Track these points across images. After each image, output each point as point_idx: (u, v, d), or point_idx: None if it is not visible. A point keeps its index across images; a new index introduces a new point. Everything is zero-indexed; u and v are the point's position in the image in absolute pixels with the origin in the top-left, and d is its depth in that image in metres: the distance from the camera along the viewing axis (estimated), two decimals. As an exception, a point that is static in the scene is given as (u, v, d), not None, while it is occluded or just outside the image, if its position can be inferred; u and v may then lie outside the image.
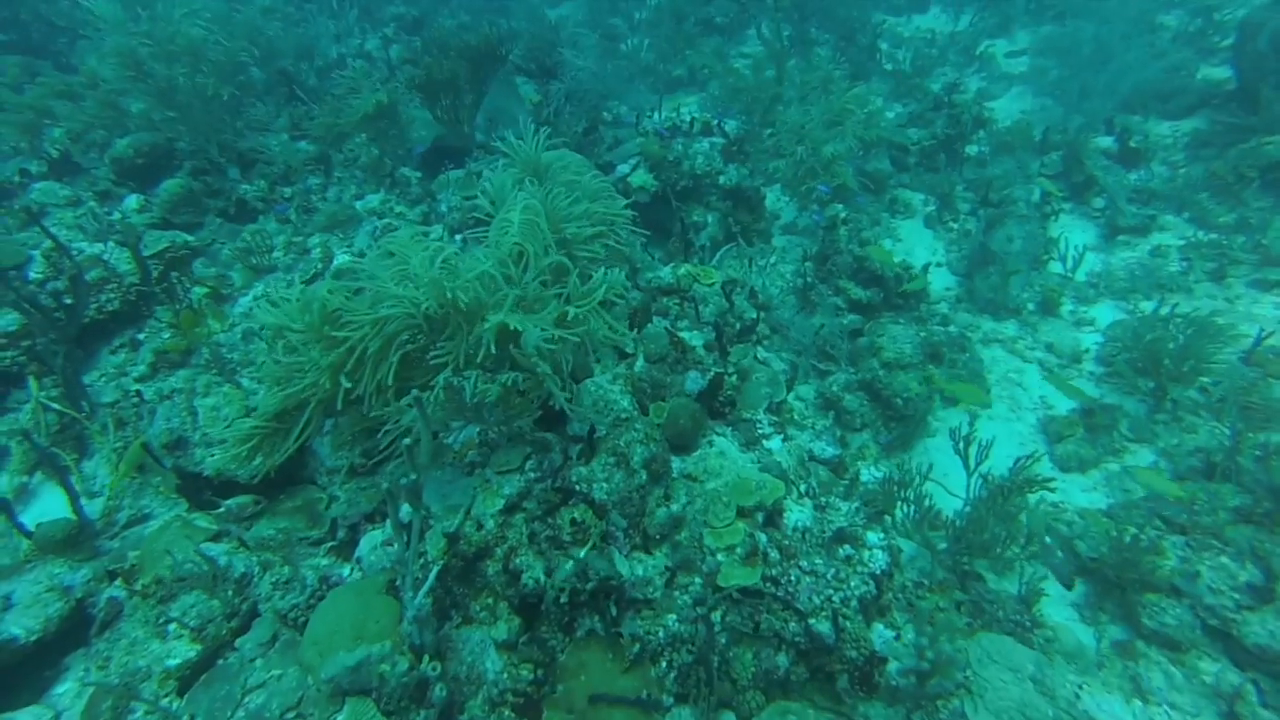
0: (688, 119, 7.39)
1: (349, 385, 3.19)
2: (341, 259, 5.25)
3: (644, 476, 3.53)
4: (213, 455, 3.66)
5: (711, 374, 3.94)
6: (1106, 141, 7.45)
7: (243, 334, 4.67)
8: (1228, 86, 8.27)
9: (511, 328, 3.05)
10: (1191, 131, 7.98)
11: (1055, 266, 6.45)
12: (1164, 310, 5.58)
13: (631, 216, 4.01)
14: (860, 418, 5.09)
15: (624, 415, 3.70)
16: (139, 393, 4.21)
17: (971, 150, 7.86)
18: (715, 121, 7.48)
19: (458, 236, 5.89)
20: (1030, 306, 6.19)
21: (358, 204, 6.35)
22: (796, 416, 4.35)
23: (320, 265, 5.22)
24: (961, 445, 3.94)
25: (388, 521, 3.80)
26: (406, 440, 3.05)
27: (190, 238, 5.33)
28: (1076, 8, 10.29)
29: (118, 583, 3.59)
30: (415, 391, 3.02)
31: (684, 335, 4.29)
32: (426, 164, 7.13)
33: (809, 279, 6.01)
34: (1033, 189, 6.95)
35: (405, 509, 3.30)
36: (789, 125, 6.76)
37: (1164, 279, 6.08)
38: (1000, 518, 3.70)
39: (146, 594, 3.46)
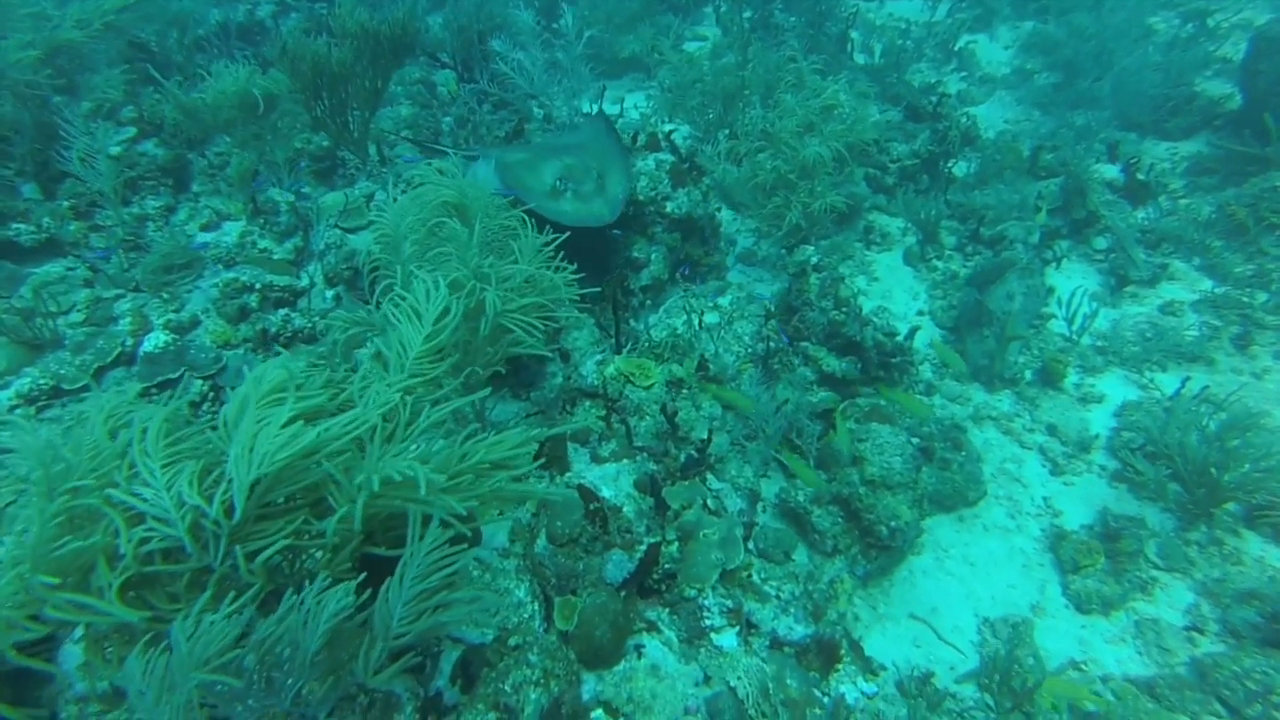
0: (635, 125, 6.16)
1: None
2: (156, 337, 3.87)
3: (541, 733, 2.42)
4: None
5: (643, 548, 2.83)
6: (1111, 171, 6.51)
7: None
8: (1230, 105, 7.43)
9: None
10: (1191, 156, 7.13)
11: (1056, 324, 5.51)
12: (1187, 390, 4.72)
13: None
14: (833, 540, 4.06)
15: (513, 629, 2.56)
16: None
17: (959, 170, 6.83)
18: (665, 132, 6.26)
19: (329, 292, 4.56)
20: (1028, 375, 5.26)
21: (206, 238, 4.92)
22: (756, 578, 3.29)
23: (127, 343, 3.85)
24: (995, 683, 2.93)
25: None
26: None
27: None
28: (1063, 4, 9.30)
29: None
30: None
31: (608, 473, 3.15)
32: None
33: (772, 343, 4.93)
34: (1032, 227, 5.98)
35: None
36: (755, 126, 5.53)
37: (1181, 345, 5.21)
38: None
39: None
